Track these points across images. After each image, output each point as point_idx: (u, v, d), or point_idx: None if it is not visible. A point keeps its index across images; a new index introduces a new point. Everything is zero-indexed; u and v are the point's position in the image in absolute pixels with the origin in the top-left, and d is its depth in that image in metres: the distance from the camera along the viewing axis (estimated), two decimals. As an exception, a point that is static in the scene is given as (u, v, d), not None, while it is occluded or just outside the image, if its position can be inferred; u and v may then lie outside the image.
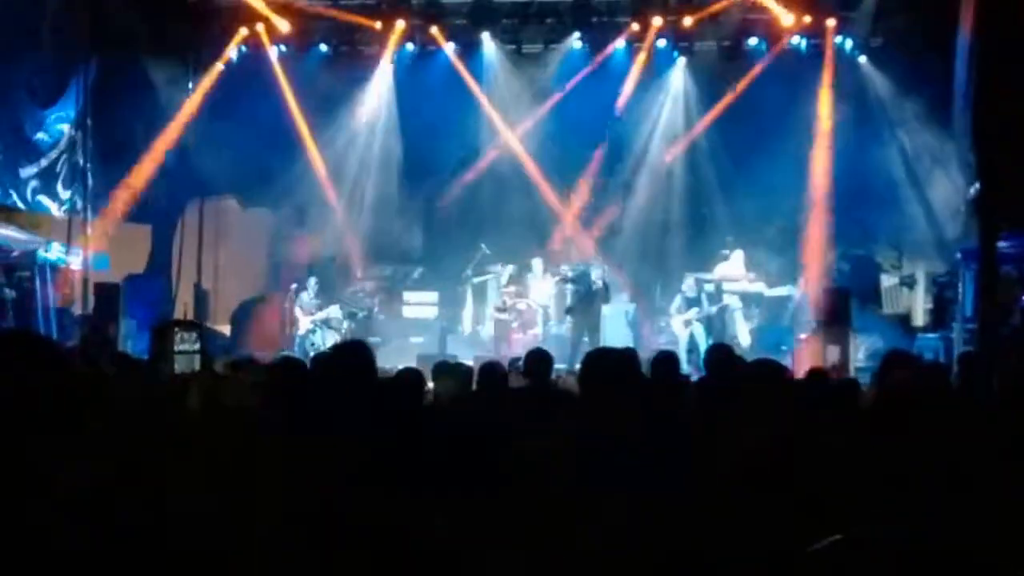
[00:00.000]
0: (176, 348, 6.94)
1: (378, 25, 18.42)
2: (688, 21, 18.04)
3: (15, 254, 15.49)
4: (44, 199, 16.83)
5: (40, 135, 16.75)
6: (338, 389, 3.88)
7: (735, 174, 17.87)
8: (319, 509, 3.16)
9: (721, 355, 7.04)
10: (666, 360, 6.94)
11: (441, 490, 3.34)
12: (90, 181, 17.17)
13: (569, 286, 17.31)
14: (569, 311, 16.76)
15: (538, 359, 6.87)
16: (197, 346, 7.08)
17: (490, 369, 6.76)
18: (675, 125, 18.88)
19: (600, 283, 16.35)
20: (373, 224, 19.09)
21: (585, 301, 16.44)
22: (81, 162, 17.19)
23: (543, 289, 17.72)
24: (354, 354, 4.05)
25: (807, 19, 17.67)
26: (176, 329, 7.10)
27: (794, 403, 4.26)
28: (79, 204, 17.22)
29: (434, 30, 18.61)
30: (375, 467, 3.36)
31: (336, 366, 4.10)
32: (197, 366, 7.00)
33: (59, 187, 17.14)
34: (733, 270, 17.01)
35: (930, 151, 16.62)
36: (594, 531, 3.25)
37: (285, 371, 5.96)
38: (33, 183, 16.60)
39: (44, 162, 16.82)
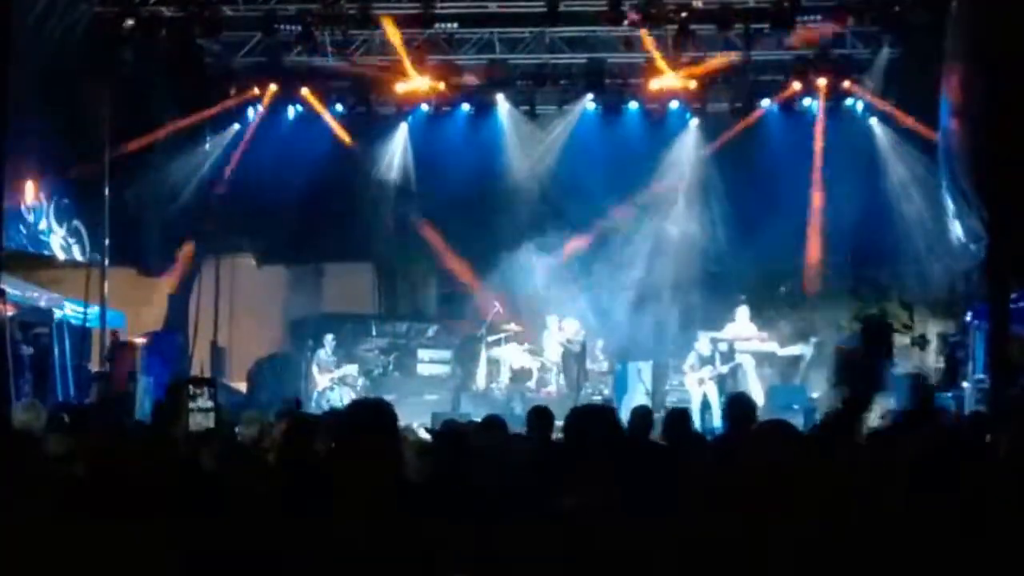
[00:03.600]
0: (190, 406, 6.98)
1: (397, 87, 18.66)
2: (698, 83, 18.26)
3: (32, 311, 15.59)
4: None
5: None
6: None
7: (745, 234, 17.99)
8: None
9: (744, 404, 7.03)
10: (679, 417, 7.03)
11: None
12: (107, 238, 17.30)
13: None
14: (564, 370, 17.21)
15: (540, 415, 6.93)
16: (211, 403, 7.13)
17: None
18: (687, 185, 19.01)
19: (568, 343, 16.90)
20: (389, 282, 19.29)
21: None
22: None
23: (556, 348, 17.78)
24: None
25: (818, 82, 17.87)
26: (190, 387, 7.16)
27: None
28: (90, 257, 17.28)
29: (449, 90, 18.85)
30: None
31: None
32: (212, 424, 7.08)
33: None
34: (742, 328, 17.03)
35: (940, 211, 16.68)
36: None
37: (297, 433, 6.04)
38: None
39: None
